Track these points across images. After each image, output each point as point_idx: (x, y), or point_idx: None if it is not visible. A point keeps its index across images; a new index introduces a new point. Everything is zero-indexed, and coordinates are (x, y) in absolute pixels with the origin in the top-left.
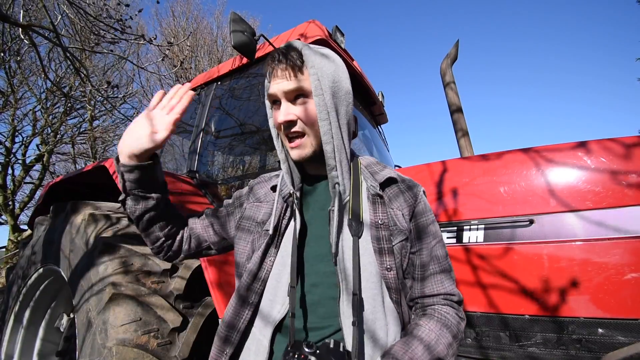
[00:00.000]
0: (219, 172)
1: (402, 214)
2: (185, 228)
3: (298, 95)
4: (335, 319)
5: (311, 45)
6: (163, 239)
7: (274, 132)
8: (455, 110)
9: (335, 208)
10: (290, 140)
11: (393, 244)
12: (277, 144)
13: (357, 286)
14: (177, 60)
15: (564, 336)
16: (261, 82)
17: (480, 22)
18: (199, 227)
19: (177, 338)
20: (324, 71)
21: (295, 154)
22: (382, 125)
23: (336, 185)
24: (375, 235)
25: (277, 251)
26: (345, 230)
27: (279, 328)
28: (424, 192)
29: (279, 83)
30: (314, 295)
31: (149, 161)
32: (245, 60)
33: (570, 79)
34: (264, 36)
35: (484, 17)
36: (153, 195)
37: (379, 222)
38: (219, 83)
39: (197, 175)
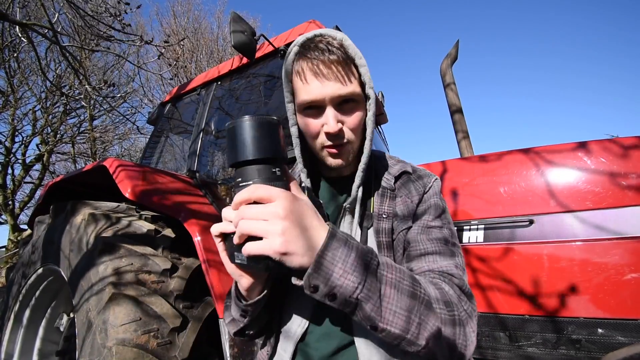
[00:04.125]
0: (219, 172)
1: (411, 201)
2: None
3: (348, 100)
4: (349, 324)
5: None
6: None
7: (296, 141)
8: (456, 111)
9: (357, 207)
10: (330, 147)
11: (393, 237)
12: (298, 153)
13: None
14: (176, 63)
15: (563, 336)
16: (261, 82)
17: (480, 22)
18: None
19: (177, 338)
20: (366, 63)
21: (335, 161)
22: (382, 125)
23: (360, 187)
24: (376, 227)
25: None
26: (356, 227)
27: (301, 342)
28: (436, 181)
29: (326, 84)
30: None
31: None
32: (245, 60)
33: (570, 79)
34: (264, 36)
35: (484, 17)
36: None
37: (383, 215)
38: (219, 83)
39: (197, 175)
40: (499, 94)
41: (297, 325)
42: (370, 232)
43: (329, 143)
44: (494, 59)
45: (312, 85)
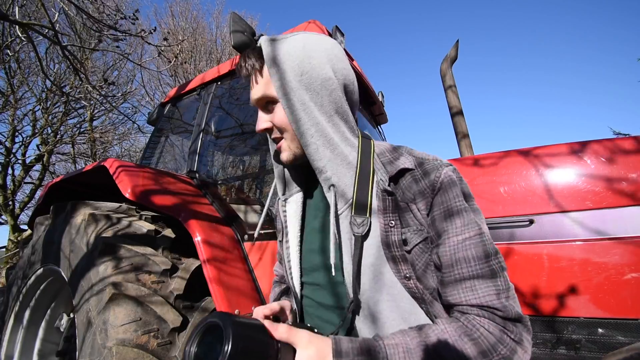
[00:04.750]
0: (219, 172)
1: (418, 208)
2: None
3: (267, 101)
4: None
5: (280, 37)
6: None
7: (271, 140)
8: (456, 112)
9: (332, 214)
10: (273, 143)
11: (408, 248)
12: (272, 151)
13: (356, 290)
14: (175, 60)
15: (563, 336)
16: None
17: (480, 22)
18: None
19: (177, 338)
20: (287, 66)
21: (282, 157)
22: (382, 125)
23: (331, 187)
24: (385, 241)
25: (290, 262)
26: (348, 231)
27: None
28: (447, 175)
29: (251, 90)
30: (320, 311)
31: None
32: None
33: (570, 79)
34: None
35: (484, 17)
36: None
37: (390, 224)
38: (219, 83)
39: (197, 175)
40: (499, 94)
41: None
42: (378, 245)
43: (269, 140)
44: (494, 59)
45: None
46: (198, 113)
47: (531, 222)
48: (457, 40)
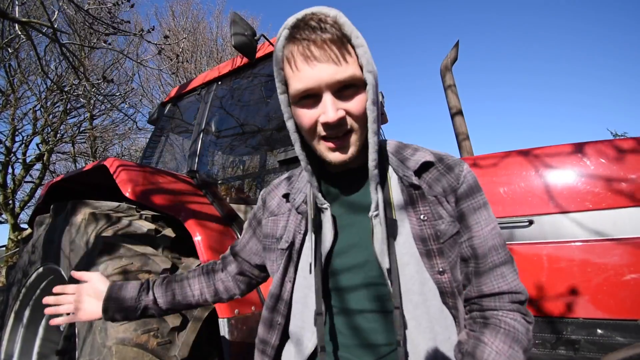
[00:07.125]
0: (219, 171)
1: (447, 201)
2: (228, 276)
3: (348, 84)
4: (380, 345)
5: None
6: (211, 302)
7: (295, 136)
8: (456, 113)
9: (381, 213)
10: (329, 140)
11: (442, 241)
12: (299, 150)
13: (398, 299)
14: (176, 60)
15: (563, 337)
16: (262, 82)
17: (480, 22)
18: (237, 269)
19: (176, 337)
20: (366, 46)
21: (336, 156)
22: (381, 126)
23: (378, 186)
24: (419, 235)
25: (296, 271)
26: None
27: (313, 357)
28: (468, 169)
29: (320, 68)
30: (352, 319)
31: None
32: (245, 60)
33: (570, 81)
34: (264, 36)
35: (484, 17)
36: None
37: (422, 217)
38: (220, 83)
39: (197, 175)
40: (499, 94)
41: (307, 339)
42: (410, 242)
43: (327, 134)
44: (495, 60)
45: (304, 71)
46: (199, 113)
47: (531, 222)
48: (457, 41)
